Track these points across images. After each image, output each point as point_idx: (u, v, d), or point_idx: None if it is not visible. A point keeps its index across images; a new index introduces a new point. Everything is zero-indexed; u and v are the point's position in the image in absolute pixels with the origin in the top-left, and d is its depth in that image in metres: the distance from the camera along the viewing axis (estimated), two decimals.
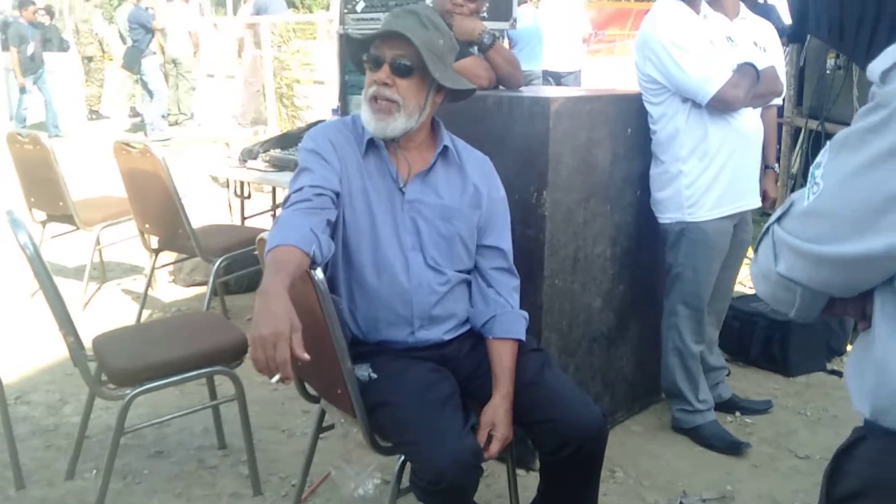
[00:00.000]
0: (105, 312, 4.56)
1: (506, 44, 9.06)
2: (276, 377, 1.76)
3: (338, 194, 2.13)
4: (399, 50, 2.10)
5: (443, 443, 1.93)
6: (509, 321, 2.24)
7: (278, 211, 5.32)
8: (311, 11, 24.45)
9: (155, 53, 11.51)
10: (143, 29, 11.10)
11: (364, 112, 2.17)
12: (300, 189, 2.09)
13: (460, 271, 2.26)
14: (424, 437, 1.96)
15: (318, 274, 1.98)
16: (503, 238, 2.31)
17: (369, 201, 2.18)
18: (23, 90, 11.59)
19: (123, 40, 12.33)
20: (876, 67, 1.12)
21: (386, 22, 2.17)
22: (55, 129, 11.63)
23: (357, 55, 2.24)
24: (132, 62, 11.18)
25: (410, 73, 2.12)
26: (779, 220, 1.26)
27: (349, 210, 2.17)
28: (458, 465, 1.90)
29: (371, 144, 2.19)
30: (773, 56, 3.18)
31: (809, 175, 1.22)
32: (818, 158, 1.21)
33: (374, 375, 2.13)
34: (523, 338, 2.24)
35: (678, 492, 2.84)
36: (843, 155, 1.14)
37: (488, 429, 2.08)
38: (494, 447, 2.06)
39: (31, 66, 11.48)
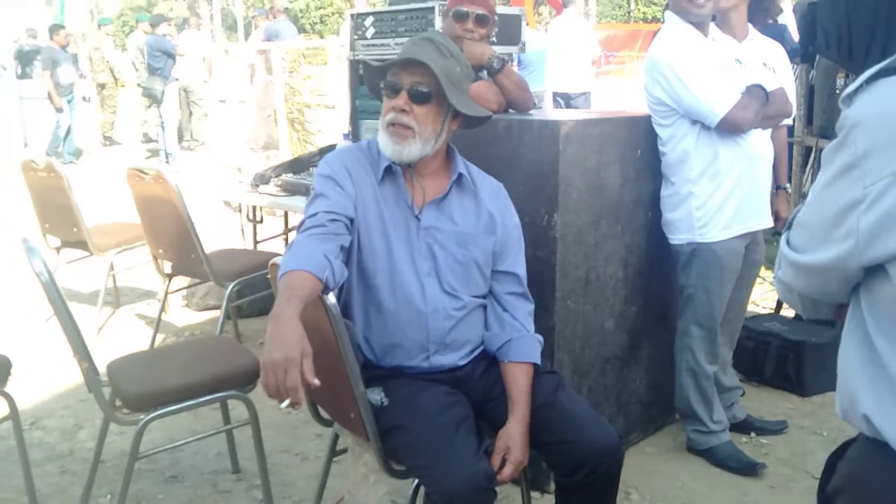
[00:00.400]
0: (119, 337, 4.58)
1: (515, 66, 9.14)
2: (287, 402, 1.78)
3: (352, 220, 2.14)
4: (417, 77, 2.13)
5: (456, 466, 1.93)
6: (525, 345, 2.25)
7: (290, 235, 5.36)
8: (321, 37, 24.65)
9: (178, 80, 11.62)
10: (165, 56, 11.20)
11: (381, 137, 2.19)
12: (315, 214, 2.10)
13: (476, 296, 2.27)
14: (438, 460, 1.96)
15: (331, 298, 2.00)
16: (518, 263, 2.32)
17: (385, 227, 2.19)
18: (59, 111, 11.66)
19: (135, 67, 12.46)
20: (846, 90, 1.21)
21: (404, 50, 2.19)
22: (70, 156, 11.73)
23: (374, 81, 2.27)
24: (154, 89, 11.25)
25: (428, 99, 2.15)
26: (786, 230, 1.40)
27: (364, 235, 2.19)
28: (471, 488, 1.90)
29: (388, 171, 2.21)
30: (783, 77, 3.20)
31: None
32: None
33: (385, 401, 2.13)
34: (539, 362, 2.24)
35: None
36: (822, 170, 1.26)
37: (503, 453, 2.07)
38: (507, 471, 2.06)
39: (63, 91, 11.57)
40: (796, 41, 6.37)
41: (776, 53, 3.27)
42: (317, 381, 1.78)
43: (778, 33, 6.17)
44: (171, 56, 11.28)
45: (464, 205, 2.25)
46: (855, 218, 1.17)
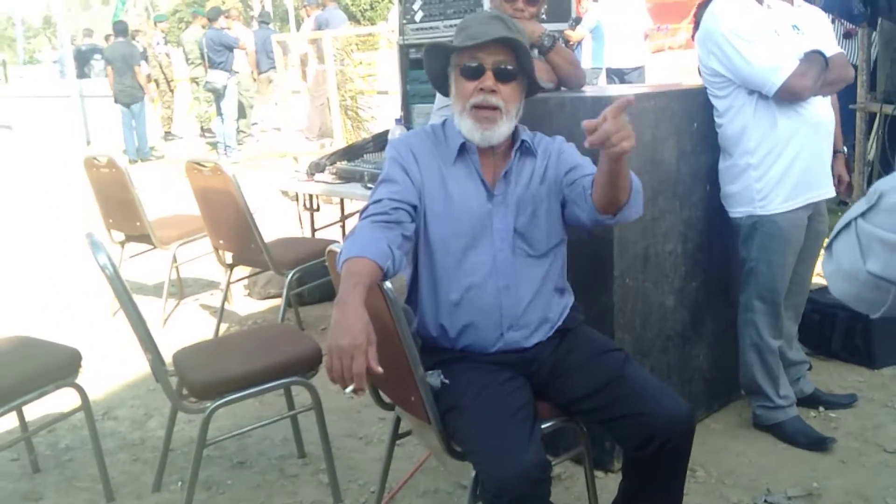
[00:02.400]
0: (184, 328, 4.68)
1: (588, 39, 9.15)
2: (351, 388, 1.79)
3: (415, 207, 2.15)
4: (499, 55, 2.13)
5: (508, 456, 1.92)
6: None
7: (347, 222, 5.41)
8: (373, 23, 24.72)
9: (238, 73, 11.78)
10: (226, 50, 11.35)
11: (464, 122, 2.18)
12: (379, 201, 2.11)
13: (547, 250, 2.25)
14: (490, 449, 1.96)
15: (388, 283, 2.00)
16: (585, 163, 2.23)
17: (454, 208, 2.19)
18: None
19: (189, 62, 12.64)
20: None
21: (476, 31, 2.15)
22: (148, 150, 11.98)
23: (440, 64, 2.25)
24: (216, 83, 11.41)
25: (514, 77, 2.15)
26: (863, 214, 1.17)
27: (432, 220, 2.19)
28: (522, 479, 1.88)
29: (462, 150, 2.21)
30: (827, 43, 3.05)
31: None
32: None
33: (446, 381, 2.14)
34: (639, 185, 2.13)
35: (762, 490, 2.78)
36: None
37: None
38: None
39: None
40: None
41: (819, 20, 3.13)
42: (380, 369, 1.80)
43: None
44: (231, 50, 11.42)
45: (523, 172, 2.24)
46: None
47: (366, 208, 2.13)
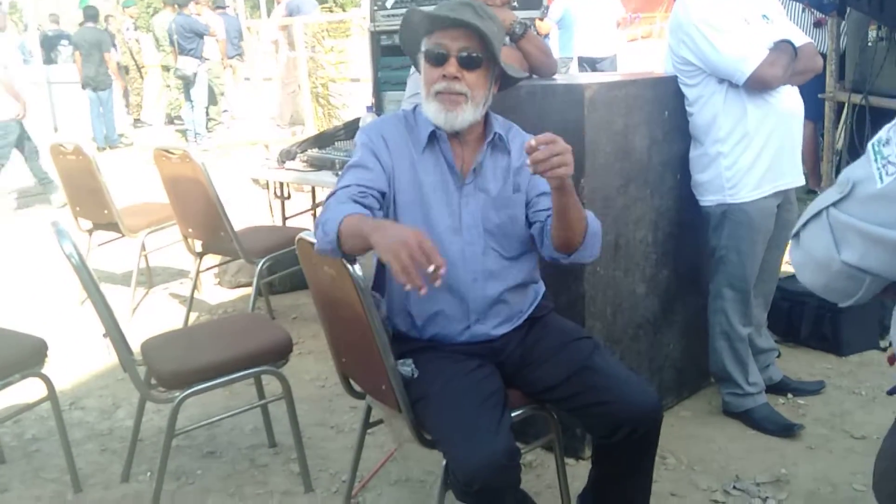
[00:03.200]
0: (153, 317, 4.63)
1: (554, 29, 9.11)
2: (432, 267, 1.74)
3: (384, 195, 2.13)
4: (464, 42, 2.10)
5: (477, 444, 1.91)
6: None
7: (318, 210, 5.36)
8: (344, 10, 24.52)
9: (208, 59, 11.63)
10: (196, 36, 11.20)
11: (429, 107, 2.16)
12: (348, 186, 2.08)
13: (519, 256, 2.24)
14: (458, 436, 1.95)
15: (357, 271, 1.99)
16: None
17: (424, 196, 2.17)
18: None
19: (159, 48, 12.48)
20: None
21: (445, 16, 2.12)
22: (116, 137, 11.82)
23: (417, 38, 2.20)
24: (186, 71, 11.27)
25: (479, 64, 2.12)
26: (836, 204, 1.15)
27: (402, 206, 2.17)
28: (491, 467, 1.88)
29: (432, 137, 2.18)
30: (784, 28, 3.04)
31: (873, 153, 1.11)
32: (882, 135, 1.11)
33: (416, 372, 2.13)
34: (597, 229, 2.16)
35: (731, 476, 2.81)
36: None
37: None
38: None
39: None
40: None
41: (776, 6, 3.13)
42: (441, 259, 1.77)
43: None
44: (201, 36, 11.28)
45: (497, 166, 2.23)
46: None
47: (333, 192, 2.09)
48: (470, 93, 2.11)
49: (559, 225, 2.07)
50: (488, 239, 2.20)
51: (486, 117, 2.25)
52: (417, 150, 2.19)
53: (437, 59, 2.12)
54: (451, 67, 2.10)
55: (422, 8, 2.20)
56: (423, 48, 2.17)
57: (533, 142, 1.85)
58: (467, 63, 2.10)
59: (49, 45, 13.66)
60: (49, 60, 13.38)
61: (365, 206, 2.04)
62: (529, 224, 2.23)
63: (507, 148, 2.24)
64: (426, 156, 2.19)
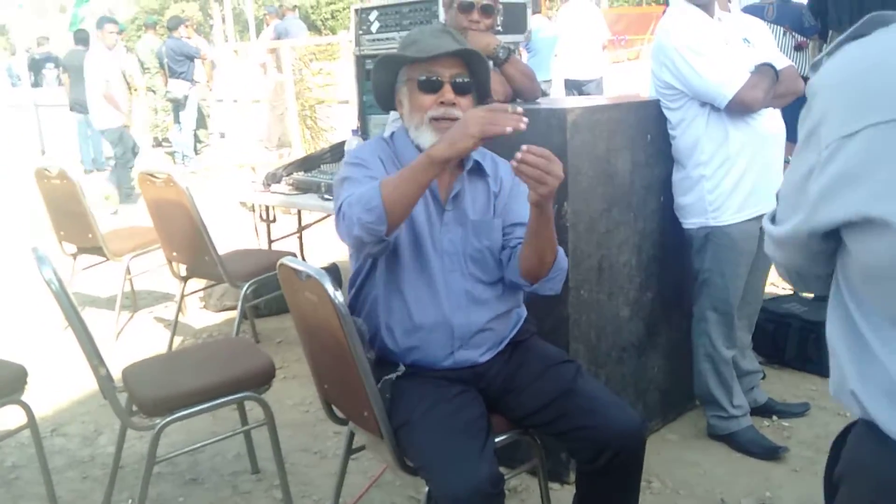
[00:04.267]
0: (138, 341, 4.60)
1: (524, 54, 9.10)
2: (511, 108, 1.86)
3: None
4: (455, 69, 2.13)
5: (460, 471, 1.90)
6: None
7: (304, 233, 5.35)
8: (333, 33, 24.63)
9: (199, 83, 11.62)
10: (187, 60, 11.20)
11: (423, 134, 2.15)
12: (351, 193, 2.03)
13: (499, 280, 2.24)
14: (441, 463, 1.94)
15: (339, 297, 1.98)
16: (525, 210, 2.16)
17: (413, 222, 2.16)
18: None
19: (144, 71, 12.48)
20: (816, 58, 1.19)
21: (429, 44, 2.13)
22: (104, 160, 11.76)
23: (389, 78, 2.22)
24: (177, 94, 11.26)
25: (470, 89, 2.15)
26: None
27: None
28: (474, 493, 1.86)
29: None
30: (767, 53, 3.07)
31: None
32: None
33: (401, 373, 2.13)
34: (564, 266, 2.17)
35: (716, 500, 2.80)
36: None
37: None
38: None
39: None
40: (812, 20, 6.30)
41: (757, 29, 3.15)
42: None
43: (795, 13, 6.14)
44: (192, 59, 11.29)
45: (477, 192, 2.23)
46: (810, 185, 1.14)
47: (343, 200, 2.03)
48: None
49: (530, 248, 2.08)
50: (470, 265, 2.20)
51: None
52: None
53: (432, 87, 2.13)
54: (449, 94, 2.11)
55: (394, 52, 2.23)
56: (406, 76, 2.17)
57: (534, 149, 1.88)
58: (460, 89, 2.13)
59: (36, 67, 13.67)
60: (36, 83, 13.37)
61: None
62: (502, 249, 2.23)
63: (485, 173, 2.25)
64: None
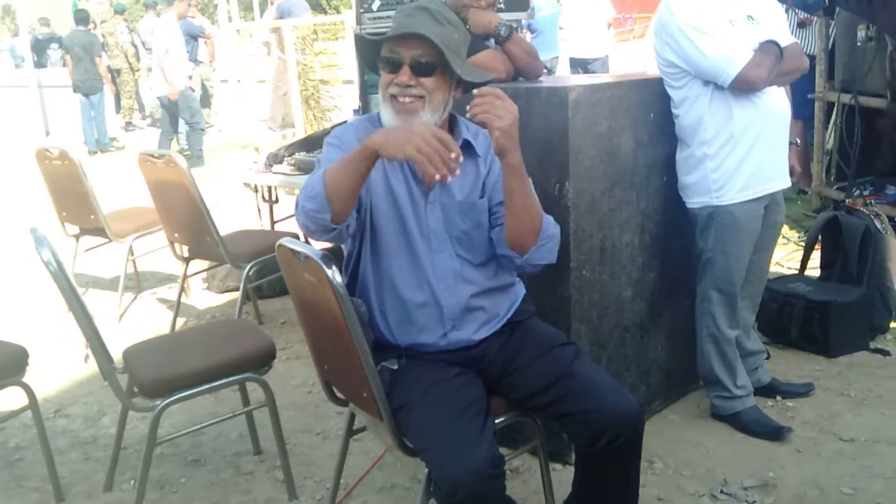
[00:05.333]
0: (140, 322, 4.60)
1: (526, 33, 9.02)
2: (453, 154, 1.82)
3: (359, 199, 2.09)
4: (417, 49, 2.07)
5: (459, 453, 1.89)
6: None
7: None
8: (338, 12, 24.45)
9: (203, 63, 11.54)
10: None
11: (385, 111, 2.14)
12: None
13: (490, 260, 2.22)
14: (440, 445, 1.93)
15: (336, 277, 1.97)
16: None
17: (396, 203, 2.15)
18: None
19: (146, 50, 12.42)
20: None
21: (399, 23, 2.12)
22: (108, 141, 11.76)
23: (371, 56, 2.21)
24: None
25: (432, 71, 2.09)
26: None
27: (376, 212, 2.15)
28: (473, 476, 1.85)
29: None
30: (775, 30, 3.02)
31: None
32: None
33: (400, 363, 2.12)
34: (554, 232, 2.16)
35: (719, 480, 2.79)
36: None
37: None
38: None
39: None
40: None
41: (763, 4, 3.09)
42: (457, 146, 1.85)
43: None
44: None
45: (465, 172, 2.18)
46: None
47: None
48: (429, 96, 2.09)
49: (510, 214, 2.07)
50: (456, 246, 2.18)
51: (454, 122, 2.23)
52: None
53: (392, 67, 2.10)
54: (404, 76, 2.08)
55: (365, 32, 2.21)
56: (382, 54, 2.15)
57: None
58: (420, 70, 2.08)
59: (39, 48, 13.61)
60: (40, 64, 13.32)
61: None
62: (491, 228, 2.21)
63: (475, 153, 2.22)
64: (392, 162, 2.16)
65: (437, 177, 1.81)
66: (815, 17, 5.57)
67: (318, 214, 1.96)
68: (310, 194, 1.95)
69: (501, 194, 2.13)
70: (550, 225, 2.13)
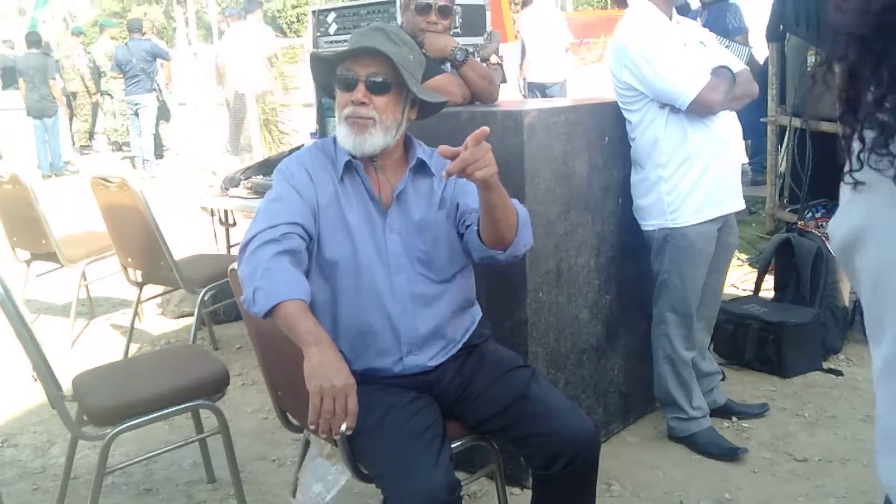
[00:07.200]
0: (94, 349, 4.51)
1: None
2: (345, 426, 1.83)
3: (307, 230, 2.07)
4: (373, 67, 2.07)
5: (415, 478, 1.87)
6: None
7: None
8: (298, 36, 24.49)
9: (159, 87, 11.45)
10: (153, 61, 11.01)
11: (340, 132, 2.13)
12: (275, 226, 2.01)
13: (451, 278, 2.20)
14: (396, 471, 1.91)
15: None
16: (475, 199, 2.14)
17: (348, 227, 2.13)
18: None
19: (100, 74, 12.30)
20: None
21: (355, 40, 2.13)
22: (62, 165, 11.59)
23: (325, 76, 2.20)
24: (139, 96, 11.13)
25: (387, 89, 2.09)
26: None
27: (327, 237, 2.12)
28: (430, 502, 1.84)
29: (348, 167, 2.14)
30: (721, 55, 3.07)
31: None
32: None
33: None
34: (526, 217, 2.12)
35: (675, 502, 2.80)
36: None
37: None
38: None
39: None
40: (742, 21, 6.44)
41: (707, 34, 3.16)
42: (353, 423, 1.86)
43: (720, 13, 6.29)
44: (155, 60, 11.11)
45: (420, 191, 2.19)
46: None
47: (254, 236, 2.01)
48: (378, 116, 2.07)
49: (489, 221, 2.03)
50: (416, 266, 2.16)
51: (409, 143, 2.23)
52: (337, 179, 2.15)
53: (347, 85, 2.09)
54: (359, 93, 2.07)
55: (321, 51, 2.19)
56: (337, 72, 2.14)
57: (459, 147, 1.85)
58: (375, 88, 2.07)
59: (9, 71, 13.42)
60: (7, 86, 13.12)
61: (291, 251, 1.99)
62: (460, 235, 2.18)
63: (430, 172, 2.21)
64: (346, 185, 2.14)
65: (323, 436, 1.85)
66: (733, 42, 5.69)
67: (251, 308, 1.94)
68: (255, 305, 1.92)
69: (464, 199, 2.13)
70: (522, 212, 2.09)
